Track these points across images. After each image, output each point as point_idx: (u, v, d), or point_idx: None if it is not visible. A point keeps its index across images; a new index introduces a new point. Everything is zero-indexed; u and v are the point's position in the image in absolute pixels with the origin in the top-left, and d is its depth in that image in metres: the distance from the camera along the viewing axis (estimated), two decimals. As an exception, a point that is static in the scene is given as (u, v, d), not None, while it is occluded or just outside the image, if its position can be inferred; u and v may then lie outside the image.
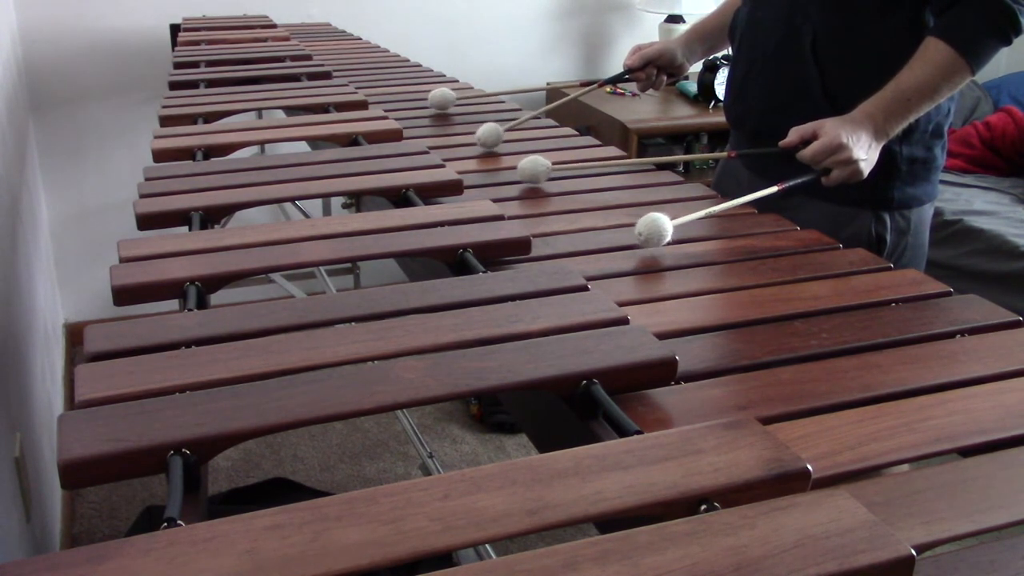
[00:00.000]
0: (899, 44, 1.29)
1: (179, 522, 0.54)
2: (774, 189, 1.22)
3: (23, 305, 1.99)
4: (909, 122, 1.29)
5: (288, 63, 2.00)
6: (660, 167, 1.44)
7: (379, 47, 2.49)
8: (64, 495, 2.18)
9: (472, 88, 1.94)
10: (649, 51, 1.68)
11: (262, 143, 1.62)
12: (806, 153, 1.27)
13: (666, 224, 1.06)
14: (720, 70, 2.98)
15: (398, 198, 1.18)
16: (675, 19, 3.21)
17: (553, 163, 1.32)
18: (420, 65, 2.23)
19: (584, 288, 0.88)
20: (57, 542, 1.99)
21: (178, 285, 0.89)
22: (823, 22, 1.36)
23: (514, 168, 1.33)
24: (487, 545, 1.10)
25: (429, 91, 1.75)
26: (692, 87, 3.13)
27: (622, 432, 0.66)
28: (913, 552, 0.50)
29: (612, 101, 3.10)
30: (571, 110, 3.02)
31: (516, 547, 0.77)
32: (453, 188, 1.21)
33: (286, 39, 2.30)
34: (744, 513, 0.52)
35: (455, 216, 1.07)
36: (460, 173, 1.25)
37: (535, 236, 1.04)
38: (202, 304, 0.87)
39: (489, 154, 1.47)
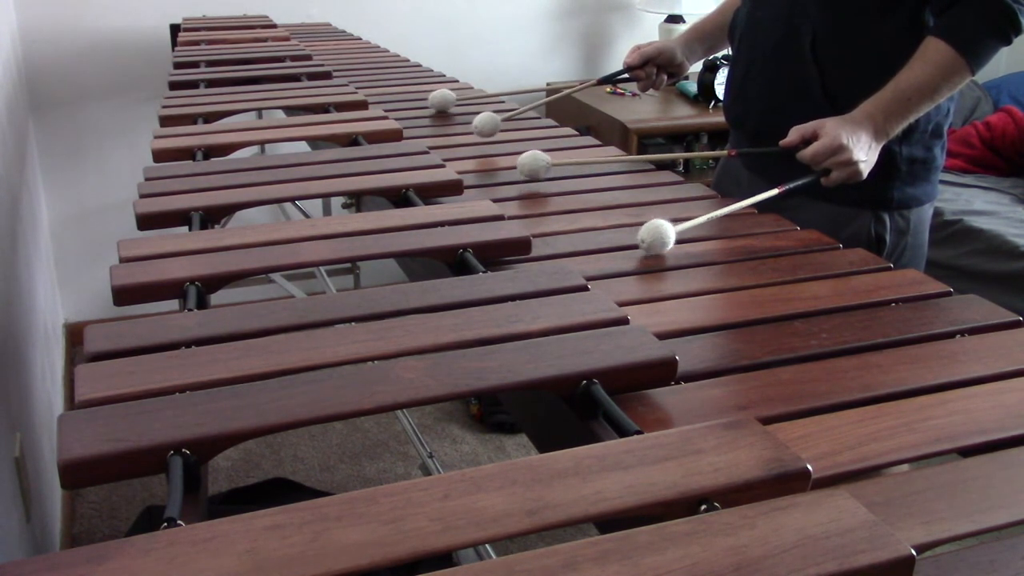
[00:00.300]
0: (899, 44, 1.29)
1: (179, 522, 0.54)
2: (774, 192, 1.21)
3: (23, 305, 1.99)
4: (909, 122, 1.29)
5: (288, 63, 2.00)
6: (660, 167, 1.44)
7: (379, 47, 2.49)
8: (64, 495, 2.18)
9: (472, 88, 1.94)
10: (649, 50, 1.68)
11: (262, 143, 1.62)
12: (806, 153, 1.27)
13: (669, 231, 1.06)
14: (720, 70, 2.98)
15: (398, 198, 1.18)
16: (675, 19, 3.21)
17: (553, 163, 1.32)
18: (420, 65, 2.23)
19: (584, 288, 0.88)
20: (57, 542, 1.99)
21: (178, 285, 0.89)
22: (823, 22, 1.36)
23: (514, 168, 1.34)
24: (487, 545, 1.10)
25: (429, 91, 1.75)
26: (692, 87, 3.13)
27: (622, 432, 0.66)
28: (913, 552, 0.50)
29: (612, 101, 3.10)
30: (571, 110, 3.03)
31: (516, 547, 0.77)
32: (453, 188, 1.21)
33: (286, 39, 2.30)
34: (744, 513, 0.52)
35: (455, 216, 1.07)
36: (460, 173, 1.25)
37: (535, 236, 1.04)
38: (202, 304, 0.87)
39: (489, 154, 1.47)
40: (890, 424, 0.71)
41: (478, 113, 1.53)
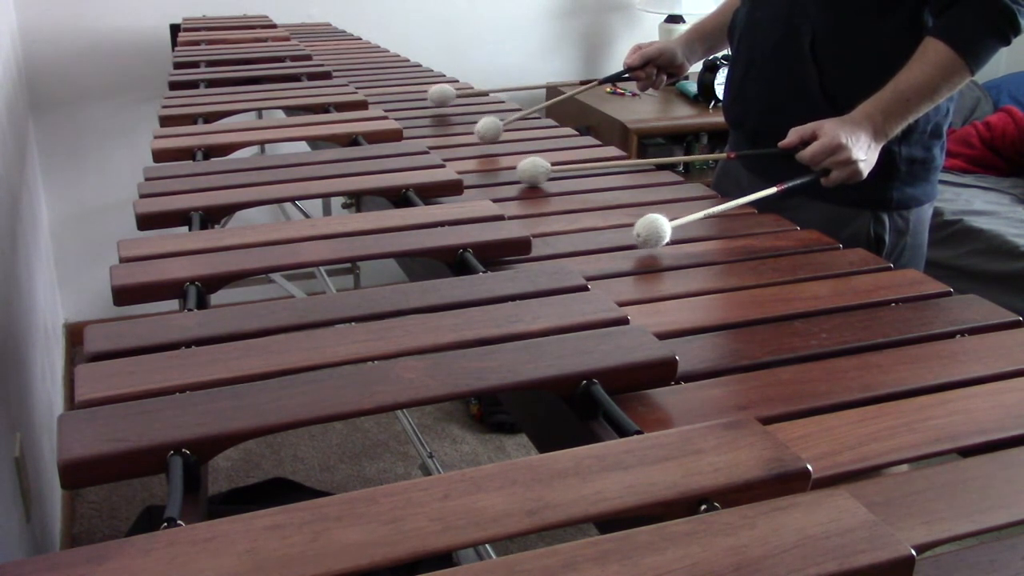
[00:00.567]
0: (898, 44, 1.29)
1: (179, 522, 0.54)
2: (773, 190, 1.22)
3: (23, 305, 1.99)
4: (908, 123, 1.29)
5: (288, 63, 2.00)
6: (660, 167, 1.44)
7: (379, 47, 2.48)
8: (64, 495, 2.18)
9: (472, 88, 1.94)
10: (649, 50, 1.68)
11: (262, 143, 1.62)
12: (805, 154, 1.27)
13: (664, 225, 1.06)
14: (720, 70, 2.98)
15: (398, 198, 1.18)
16: (675, 19, 3.21)
17: (553, 164, 1.32)
18: (420, 65, 2.23)
19: (584, 288, 0.88)
20: (57, 542, 1.99)
21: (178, 285, 0.89)
22: (822, 22, 1.36)
23: (514, 168, 1.33)
24: (487, 545, 1.10)
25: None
26: (692, 87, 3.13)
27: (622, 432, 0.66)
28: (913, 552, 0.50)
29: (612, 101, 3.10)
30: (571, 110, 3.02)
31: (516, 547, 0.77)
32: (453, 188, 1.21)
33: (286, 39, 2.30)
34: (744, 513, 0.52)
35: (455, 216, 1.07)
36: (460, 173, 1.25)
37: (535, 236, 1.04)
38: (202, 304, 0.87)
39: (489, 154, 1.47)
40: (890, 424, 0.71)
41: (478, 112, 1.53)
